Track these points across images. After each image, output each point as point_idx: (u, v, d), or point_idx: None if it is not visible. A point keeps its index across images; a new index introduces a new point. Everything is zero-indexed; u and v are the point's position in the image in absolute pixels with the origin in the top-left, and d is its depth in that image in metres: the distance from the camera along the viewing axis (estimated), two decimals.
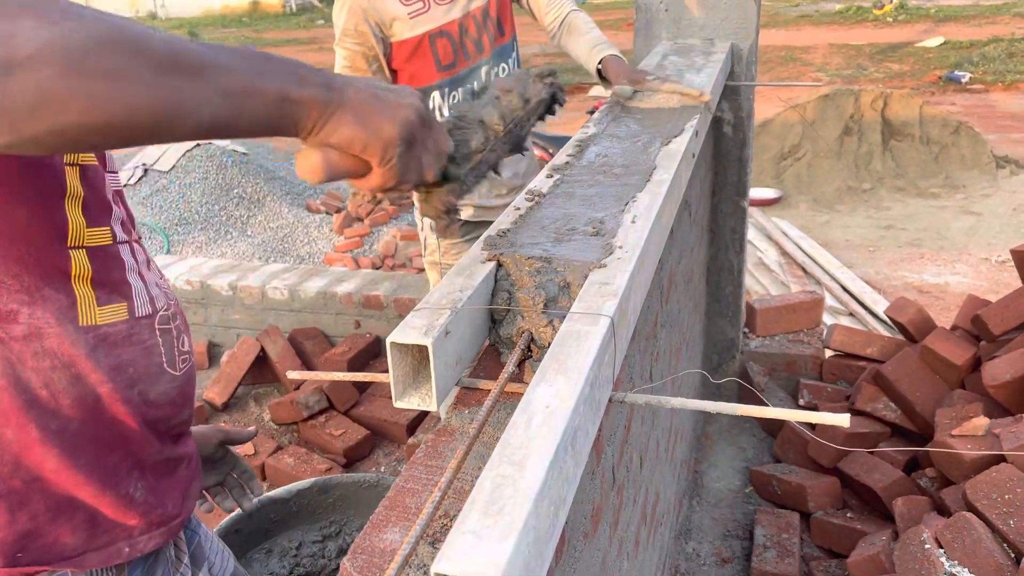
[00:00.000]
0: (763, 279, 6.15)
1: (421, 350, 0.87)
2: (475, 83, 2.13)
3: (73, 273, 0.89)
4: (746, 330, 3.06)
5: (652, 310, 1.56)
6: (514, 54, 2.27)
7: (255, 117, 0.68)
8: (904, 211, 7.81)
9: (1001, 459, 1.89)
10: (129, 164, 7.71)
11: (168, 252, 6.51)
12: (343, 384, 3.06)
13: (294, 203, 7.45)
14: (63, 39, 0.58)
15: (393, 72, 2.09)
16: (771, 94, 10.23)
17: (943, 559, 1.66)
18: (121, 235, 0.97)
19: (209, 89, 0.65)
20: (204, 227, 7.02)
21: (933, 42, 14.23)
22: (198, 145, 7.61)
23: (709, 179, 2.69)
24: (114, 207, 0.97)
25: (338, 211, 7.17)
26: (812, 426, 2.62)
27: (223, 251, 6.64)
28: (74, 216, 0.89)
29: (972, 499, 1.78)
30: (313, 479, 1.86)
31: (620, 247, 1.04)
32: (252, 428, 1.45)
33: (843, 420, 0.80)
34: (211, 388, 3.21)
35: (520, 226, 1.14)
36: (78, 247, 0.89)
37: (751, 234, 6.84)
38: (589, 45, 2.13)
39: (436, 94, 2.12)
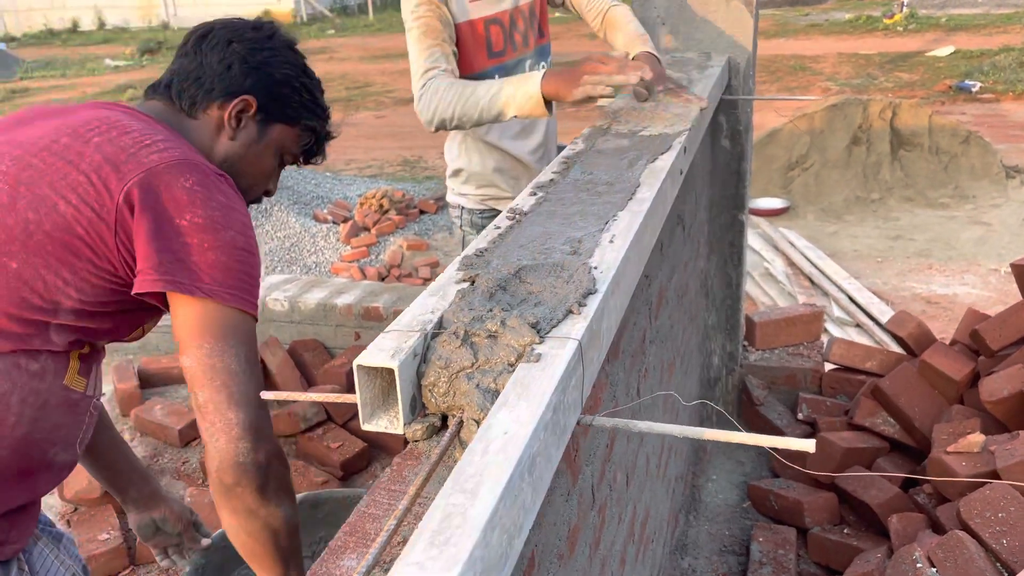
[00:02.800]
0: (770, 290, 6.13)
1: (389, 372, 0.87)
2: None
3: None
4: (745, 343, 3.05)
5: (639, 327, 1.56)
6: (550, 57, 2.29)
7: None
8: (913, 221, 7.77)
9: (996, 476, 1.87)
10: None
11: None
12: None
13: (301, 212, 7.48)
14: (262, 525, 1.15)
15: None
16: (779, 104, 10.21)
17: None
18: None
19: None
20: None
21: (943, 51, 14.17)
22: None
23: (706, 193, 2.69)
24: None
25: (345, 220, 7.19)
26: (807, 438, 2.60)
27: None
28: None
29: (965, 517, 1.76)
30: (304, 494, 1.86)
31: (595, 268, 1.04)
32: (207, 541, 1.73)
33: (808, 446, 0.80)
34: None
35: (498, 245, 1.14)
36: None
37: (758, 244, 6.82)
38: (625, 40, 2.13)
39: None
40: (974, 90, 11.49)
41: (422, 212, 7.45)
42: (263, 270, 5.91)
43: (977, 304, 5.43)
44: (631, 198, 1.31)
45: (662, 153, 1.54)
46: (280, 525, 1.15)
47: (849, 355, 2.84)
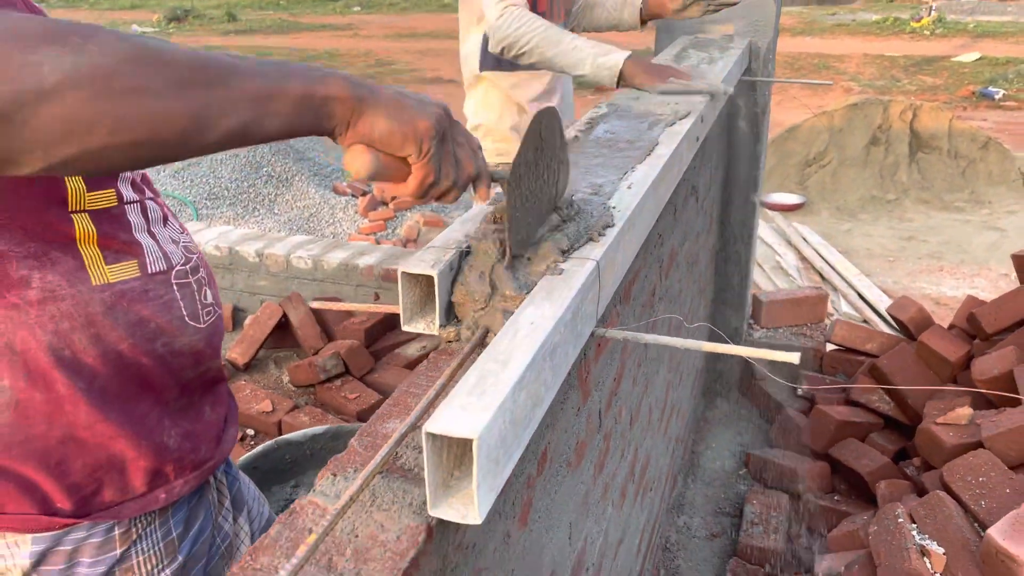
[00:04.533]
0: (780, 282, 6.21)
1: (428, 280, 0.98)
2: None
3: (77, 236, 0.91)
4: (751, 321, 3.15)
5: (650, 280, 1.67)
6: None
7: (282, 118, 0.70)
8: (927, 223, 7.81)
9: (980, 446, 1.97)
10: None
11: (197, 220, 6.69)
12: (360, 351, 3.19)
13: (321, 184, 7.61)
14: (87, 63, 0.60)
15: None
16: (801, 100, 10.24)
17: (915, 532, 1.75)
18: (130, 195, 0.98)
19: (233, 96, 0.67)
20: (233, 203, 7.19)
21: (969, 57, 14.13)
22: None
23: (721, 172, 2.79)
24: None
25: (364, 194, 7.31)
26: (805, 414, 2.71)
27: (250, 227, 6.81)
28: (73, 181, 0.90)
29: (948, 480, 1.87)
30: (327, 426, 1.99)
31: (614, 207, 1.15)
32: None
33: (793, 358, 0.91)
34: (234, 349, 3.36)
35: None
36: (80, 211, 0.91)
37: (771, 238, 6.90)
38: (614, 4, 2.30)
39: None
40: (997, 97, 11.48)
41: None
42: (286, 233, 5.94)
43: None
44: (649, 154, 1.42)
45: (681, 119, 1.65)
46: (113, 55, 0.62)
47: (851, 336, 2.95)
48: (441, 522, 0.71)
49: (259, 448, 2.03)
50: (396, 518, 0.70)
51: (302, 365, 3.16)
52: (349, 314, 3.56)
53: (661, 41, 2.75)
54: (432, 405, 0.81)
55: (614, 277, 1.08)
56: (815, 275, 6.36)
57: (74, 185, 0.90)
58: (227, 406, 1.18)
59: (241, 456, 1.90)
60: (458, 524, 0.76)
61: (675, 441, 2.40)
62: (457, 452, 0.72)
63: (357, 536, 0.68)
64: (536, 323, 0.83)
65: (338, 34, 18.71)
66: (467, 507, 0.68)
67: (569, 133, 1.56)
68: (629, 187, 1.24)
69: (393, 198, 7.12)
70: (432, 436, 0.66)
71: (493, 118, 2.36)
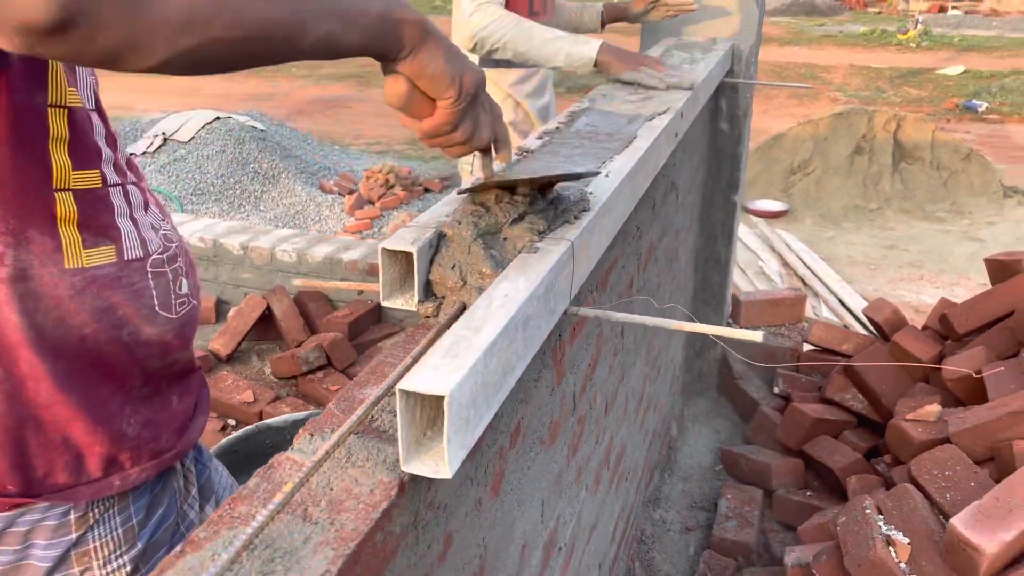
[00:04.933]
0: (763, 287, 6.28)
1: (408, 257, 1.01)
2: None
3: (59, 215, 0.91)
4: (730, 320, 3.20)
5: (627, 271, 1.70)
6: None
7: (361, 32, 0.78)
8: (909, 233, 7.91)
9: (947, 442, 2.02)
10: (149, 133, 7.91)
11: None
12: (343, 344, 3.21)
13: (308, 182, 7.62)
14: None
15: None
16: (787, 108, 10.35)
17: (881, 523, 1.79)
18: (113, 177, 0.98)
19: (326, 7, 0.75)
20: (218, 199, 7.19)
21: (954, 70, 14.31)
22: (218, 118, 7.80)
23: (703, 172, 2.84)
24: (105, 150, 0.98)
25: (350, 193, 7.32)
26: (781, 412, 2.75)
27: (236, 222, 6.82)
28: (59, 158, 0.90)
29: (915, 474, 1.91)
30: (308, 411, 2.02)
31: (591, 193, 1.19)
32: None
33: (756, 336, 0.94)
34: (217, 339, 3.37)
35: (506, 173, 1.29)
36: (64, 189, 0.91)
37: (754, 244, 6.98)
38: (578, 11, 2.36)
39: None
40: (980, 110, 11.63)
41: (427, 190, 7.58)
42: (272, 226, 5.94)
43: None
44: (628, 146, 1.45)
45: (659, 114, 1.69)
46: None
47: (827, 337, 3.00)
48: (414, 479, 0.75)
49: (240, 432, 2.06)
50: (370, 474, 0.73)
51: (284, 357, 3.18)
52: (333, 307, 3.58)
53: (645, 43, 2.79)
54: (408, 371, 0.84)
55: (588, 259, 1.12)
56: (797, 281, 6.43)
57: (60, 162, 0.90)
58: (197, 395, 1.16)
59: (220, 441, 1.92)
60: (430, 483, 0.79)
61: (652, 435, 2.44)
62: (430, 413, 0.75)
63: (332, 489, 0.71)
64: (510, 295, 0.86)
65: None
66: (438, 463, 0.71)
67: (550, 126, 1.59)
68: (606, 176, 1.28)
69: (381, 197, 7.15)
70: (405, 393, 0.69)
71: None
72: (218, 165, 7.39)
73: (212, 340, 3.40)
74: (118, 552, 1.04)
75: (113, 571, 1.04)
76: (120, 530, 1.04)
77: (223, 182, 7.30)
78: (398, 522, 0.72)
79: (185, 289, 1.08)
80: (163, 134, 7.68)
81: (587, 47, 2.01)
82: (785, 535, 2.39)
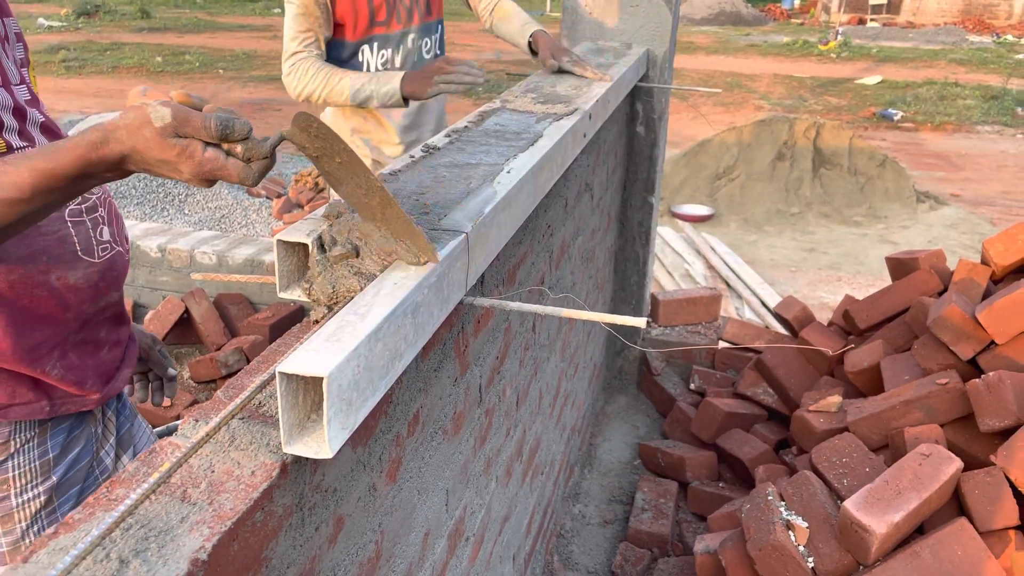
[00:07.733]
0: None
1: (304, 249, 1.02)
2: (402, 47, 2.34)
3: None
4: (649, 319, 3.27)
5: (538, 268, 1.74)
6: (438, 35, 2.46)
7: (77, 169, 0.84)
8: (828, 236, 8.19)
9: (846, 431, 2.12)
10: (72, 130, 7.67)
11: None
12: (263, 346, 3.18)
13: (235, 185, 7.49)
14: None
15: (337, 27, 2.24)
16: (714, 116, 10.59)
17: (782, 509, 1.87)
18: (18, 143, 1.08)
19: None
20: (140, 202, 7.03)
21: (871, 80, 14.86)
22: None
23: (620, 174, 2.90)
24: (10, 120, 1.08)
25: (279, 196, 7.23)
26: (697, 407, 2.83)
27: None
28: None
29: (815, 462, 2.00)
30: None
31: (494, 187, 1.22)
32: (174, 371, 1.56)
33: (639, 322, 0.99)
34: None
35: (411, 168, 1.31)
36: None
37: (681, 247, 7.14)
38: (520, 25, 2.43)
39: (366, 47, 2.29)
40: (896, 118, 12.11)
41: None
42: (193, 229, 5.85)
43: None
44: (532, 144, 1.49)
45: (567, 116, 1.73)
46: None
47: (741, 334, 3.09)
48: (298, 461, 0.76)
49: (157, 429, 2.04)
50: (253, 456, 0.74)
51: (204, 360, 3.13)
52: (254, 310, 3.54)
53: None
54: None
55: (487, 252, 1.14)
56: (721, 283, 6.60)
57: None
58: (124, 348, 1.28)
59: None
60: (316, 466, 0.81)
61: (571, 431, 2.48)
62: (314, 398, 0.77)
63: (213, 472, 0.72)
64: (399, 283, 0.88)
65: (258, 35, 18.42)
66: (320, 444, 0.72)
67: (459, 124, 1.62)
68: (508, 172, 1.31)
69: (310, 200, 7.08)
70: (285, 376, 0.71)
71: (334, 120, 2.44)
72: None
73: None
74: (35, 482, 1.16)
75: (28, 500, 1.15)
76: (37, 462, 1.16)
77: (145, 185, 7.13)
78: (280, 503, 0.73)
79: (106, 236, 1.20)
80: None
81: (389, 86, 2.12)
82: (699, 525, 2.46)
